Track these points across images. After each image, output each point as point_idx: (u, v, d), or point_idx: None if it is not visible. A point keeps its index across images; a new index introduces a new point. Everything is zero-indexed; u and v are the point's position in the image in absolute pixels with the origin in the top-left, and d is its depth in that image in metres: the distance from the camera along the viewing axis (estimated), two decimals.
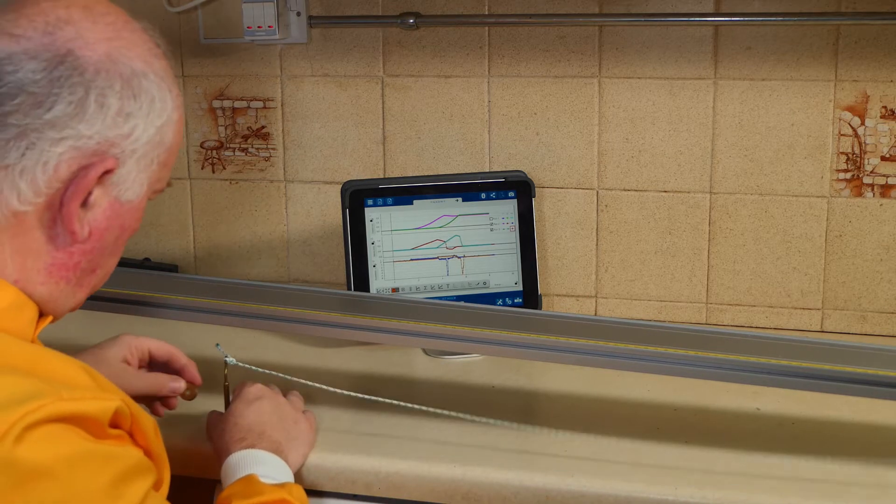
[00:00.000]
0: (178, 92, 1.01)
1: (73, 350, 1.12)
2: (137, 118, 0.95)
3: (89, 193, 0.94)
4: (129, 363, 1.29)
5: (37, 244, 0.94)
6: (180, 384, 1.29)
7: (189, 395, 1.31)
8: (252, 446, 1.17)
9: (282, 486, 1.12)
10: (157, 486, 0.96)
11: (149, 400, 1.29)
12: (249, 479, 1.11)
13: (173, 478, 1.02)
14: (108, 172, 0.94)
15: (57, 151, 0.91)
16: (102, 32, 0.94)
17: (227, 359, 1.31)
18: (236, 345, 1.38)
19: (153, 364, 1.32)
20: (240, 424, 1.20)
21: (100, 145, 0.93)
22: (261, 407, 1.24)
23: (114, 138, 0.94)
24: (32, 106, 0.90)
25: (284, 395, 1.30)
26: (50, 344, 0.96)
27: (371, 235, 1.64)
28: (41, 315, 0.98)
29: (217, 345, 1.33)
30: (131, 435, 0.93)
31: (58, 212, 0.93)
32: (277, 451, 1.18)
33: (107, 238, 0.98)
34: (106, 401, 0.89)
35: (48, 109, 0.90)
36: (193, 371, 1.32)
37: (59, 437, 0.84)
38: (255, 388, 1.27)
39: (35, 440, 0.82)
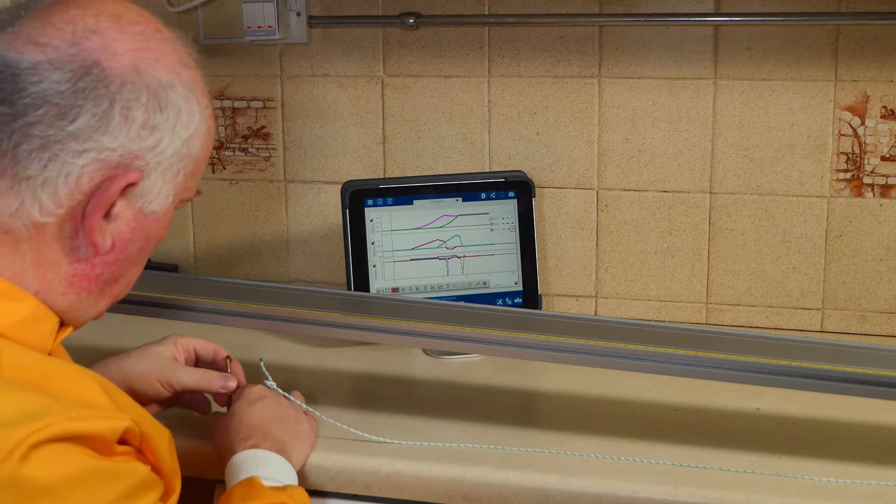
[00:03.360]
0: (207, 102, 1.00)
1: (90, 352, 1.12)
2: (163, 131, 0.94)
3: (112, 205, 0.93)
4: (177, 360, 1.28)
5: (58, 255, 0.93)
6: (232, 382, 1.28)
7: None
8: (256, 446, 1.16)
9: (282, 489, 1.11)
10: (165, 498, 0.96)
11: (195, 398, 1.30)
12: (251, 482, 1.11)
13: None
14: (131, 185, 0.93)
15: (79, 163, 0.90)
16: (130, 42, 0.93)
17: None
18: (236, 345, 1.38)
19: (200, 363, 1.32)
20: (244, 423, 1.20)
21: (123, 158, 0.92)
22: (263, 406, 1.23)
23: (138, 151, 0.93)
24: (56, 117, 0.89)
25: (287, 392, 1.30)
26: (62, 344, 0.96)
27: (371, 235, 1.64)
28: (62, 325, 0.98)
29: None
30: (140, 451, 0.93)
31: (80, 223, 0.92)
32: (281, 450, 1.18)
33: (130, 249, 0.97)
34: (115, 420, 0.88)
35: (72, 121, 0.89)
36: (238, 370, 1.32)
37: (64, 456, 0.83)
38: (257, 389, 1.27)
39: (41, 459, 0.81)
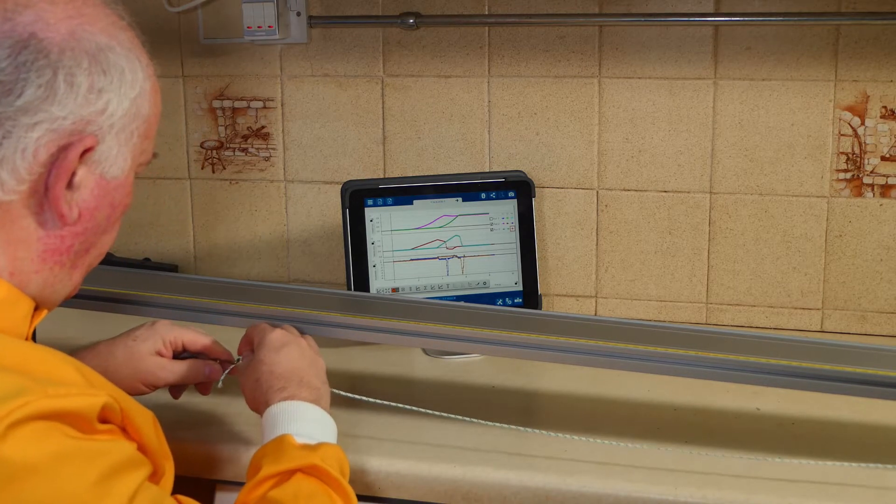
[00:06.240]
0: (147, 61, 1.01)
1: (74, 348, 1.12)
2: (110, 93, 0.95)
3: (73, 174, 0.94)
4: (161, 355, 1.26)
5: (26, 232, 0.94)
6: (216, 371, 1.27)
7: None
8: (293, 396, 1.14)
9: (314, 448, 1.08)
10: (156, 479, 0.96)
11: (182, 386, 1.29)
12: (282, 441, 1.09)
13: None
14: (88, 150, 0.94)
15: (33, 136, 0.91)
16: (63, 11, 0.94)
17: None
18: (237, 345, 1.37)
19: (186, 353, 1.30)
20: (276, 373, 1.17)
21: (75, 125, 0.93)
22: (291, 352, 1.20)
23: (89, 116, 0.93)
24: (2, 94, 0.90)
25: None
26: (50, 343, 0.96)
27: (371, 235, 1.64)
28: (37, 309, 0.98)
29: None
30: (123, 430, 0.93)
31: (44, 197, 0.93)
32: (318, 399, 1.15)
33: (98, 217, 0.97)
34: (93, 396, 0.88)
35: (18, 96, 0.90)
36: (228, 356, 1.30)
37: (44, 435, 0.83)
38: (278, 334, 1.23)
39: (20, 438, 0.82)
